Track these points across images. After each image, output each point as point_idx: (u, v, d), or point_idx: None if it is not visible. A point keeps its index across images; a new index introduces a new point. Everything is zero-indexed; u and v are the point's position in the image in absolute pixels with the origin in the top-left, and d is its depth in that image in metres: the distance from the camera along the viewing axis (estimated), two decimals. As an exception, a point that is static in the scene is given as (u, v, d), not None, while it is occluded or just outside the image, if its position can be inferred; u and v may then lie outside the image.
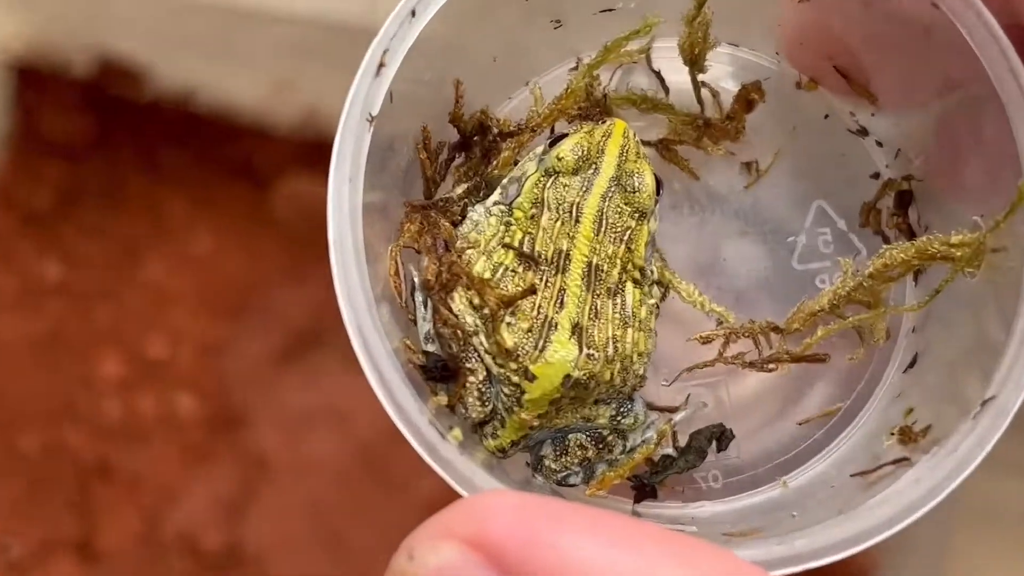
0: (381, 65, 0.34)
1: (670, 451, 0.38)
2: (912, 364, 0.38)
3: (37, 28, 0.79)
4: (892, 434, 0.36)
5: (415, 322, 0.36)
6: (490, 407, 0.36)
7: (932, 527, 0.69)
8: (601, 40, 0.38)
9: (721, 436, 0.38)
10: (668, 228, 0.39)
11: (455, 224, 0.36)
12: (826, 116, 0.40)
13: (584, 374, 0.34)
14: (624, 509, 0.38)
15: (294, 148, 0.81)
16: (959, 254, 0.34)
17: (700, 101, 0.39)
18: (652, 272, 0.36)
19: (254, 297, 0.80)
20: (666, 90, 0.39)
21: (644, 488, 0.37)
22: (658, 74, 0.39)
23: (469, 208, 0.36)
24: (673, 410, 0.38)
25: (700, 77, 0.39)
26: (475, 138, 0.38)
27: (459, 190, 0.37)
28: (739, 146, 0.39)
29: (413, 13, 0.34)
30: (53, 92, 0.80)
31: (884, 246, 0.36)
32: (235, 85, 0.80)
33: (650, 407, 0.38)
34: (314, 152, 0.80)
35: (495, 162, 0.37)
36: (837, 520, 0.32)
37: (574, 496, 0.38)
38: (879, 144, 0.40)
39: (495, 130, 0.37)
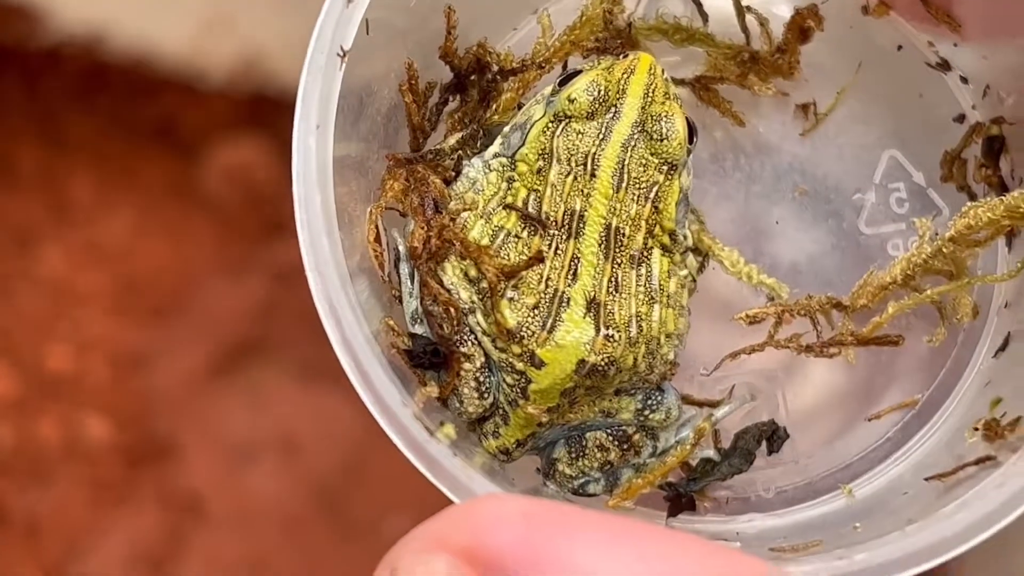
0: None
1: (711, 453, 0.36)
2: (1004, 347, 0.36)
3: None
4: (976, 429, 0.34)
5: (399, 299, 0.34)
6: (490, 400, 0.34)
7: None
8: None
9: (772, 436, 0.36)
10: (707, 185, 0.37)
11: (447, 181, 0.35)
12: (899, 47, 0.37)
13: (602, 359, 0.32)
14: (658, 521, 0.37)
15: (230, 105, 0.75)
16: None
17: (745, 30, 0.36)
18: (685, 237, 0.34)
19: (182, 295, 0.73)
20: (704, 17, 0.37)
21: (680, 498, 0.36)
22: None
23: (464, 162, 0.35)
24: (715, 404, 0.36)
25: (745, 0, 0.37)
26: (471, 77, 0.36)
27: (452, 140, 0.35)
28: (793, 85, 0.37)
29: None
30: None
31: (969, 203, 0.34)
32: (154, 25, 0.74)
33: (686, 400, 0.36)
34: (256, 109, 0.74)
35: (495, 106, 0.36)
36: (906, 531, 0.31)
37: (594, 507, 0.35)
38: (964, 81, 0.37)
39: (495, 67, 0.36)
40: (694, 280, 0.35)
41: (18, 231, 0.72)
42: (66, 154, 0.73)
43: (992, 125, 0.36)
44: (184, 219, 0.73)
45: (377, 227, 0.34)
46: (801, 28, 0.36)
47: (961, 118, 0.37)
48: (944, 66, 0.37)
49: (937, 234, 0.34)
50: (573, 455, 0.35)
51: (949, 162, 0.37)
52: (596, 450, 0.34)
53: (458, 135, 0.35)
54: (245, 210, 0.74)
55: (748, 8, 0.36)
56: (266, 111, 0.73)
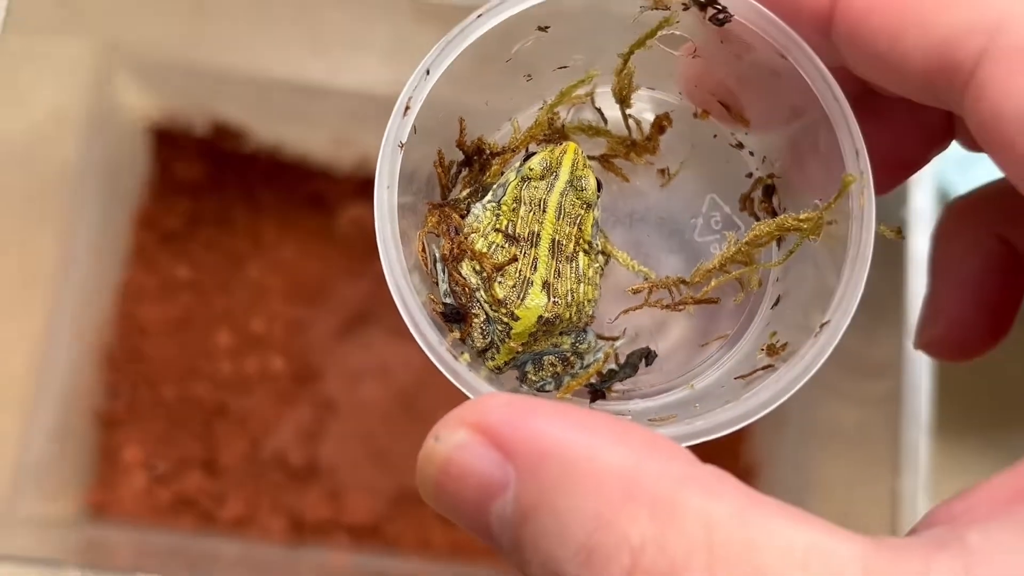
0: (407, 108, 0.37)
1: (613, 366, 0.41)
2: (776, 303, 0.42)
3: (168, 101, 0.85)
4: (762, 350, 0.40)
5: (436, 284, 0.40)
6: (489, 339, 0.39)
7: (793, 444, 0.76)
8: (558, 88, 0.42)
9: (648, 356, 0.41)
10: (608, 215, 0.43)
11: (462, 216, 0.40)
12: (715, 135, 0.43)
13: (551, 315, 0.38)
14: (583, 405, 0.41)
15: (352, 186, 0.88)
16: (805, 226, 0.38)
17: (628, 128, 0.42)
18: (597, 245, 0.40)
19: (324, 290, 0.88)
20: (605, 121, 0.43)
21: (596, 392, 0.41)
22: (599, 110, 0.43)
23: (472, 206, 0.40)
24: (615, 339, 0.42)
25: (628, 111, 0.42)
26: (474, 157, 0.41)
27: (464, 193, 0.41)
28: (656, 158, 0.43)
29: (428, 72, 0.37)
30: (180, 147, 0.88)
31: (755, 223, 0.40)
32: (309, 140, 0.87)
33: (600, 337, 0.41)
34: (366, 185, 0.86)
35: (488, 173, 0.41)
36: (725, 408, 0.36)
37: (549, 398, 0.40)
38: (751, 154, 0.43)
39: (487, 151, 0.41)
40: (602, 269, 0.40)
41: (234, 256, 0.89)
42: (260, 213, 0.89)
43: (767, 178, 0.42)
44: (326, 248, 0.89)
45: (423, 243, 0.39)
46: (660, 125, 0.42)
47: (750, 175, 0.43)
48: (740, 146, 0.42)
49: (737, 241, 0.40)
50: (536, 369, 0.40)
51: (743, 200, 0.42)
52: (549, 366, 0.40)
53: (468, 190, 0.41)
54: (360, 242, 0.88)
55: (629, 115, 0.42)
56: (369, 187, 0.74)
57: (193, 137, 0.87)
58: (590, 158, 0.41)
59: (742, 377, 0.39)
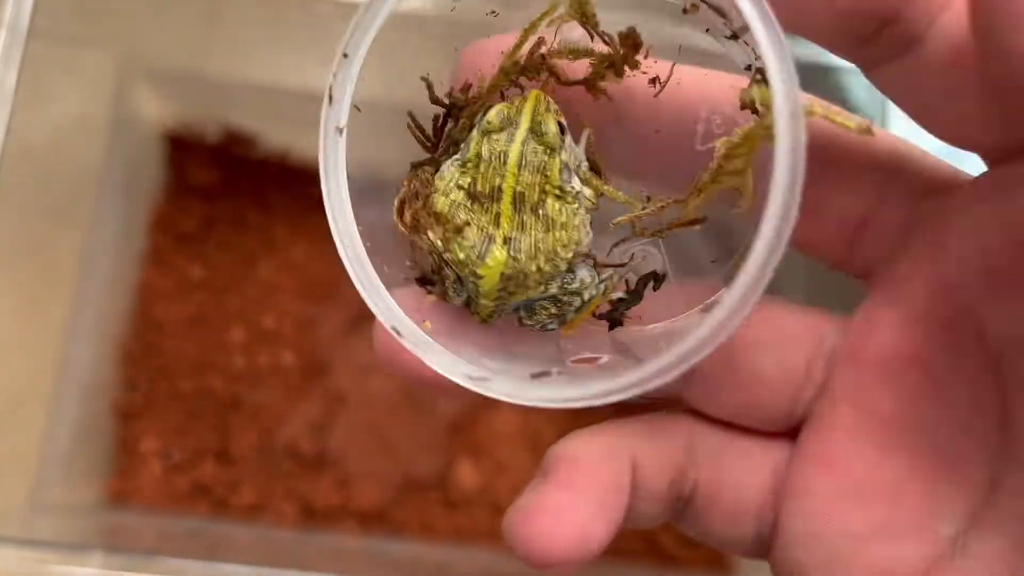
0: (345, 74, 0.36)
1: (621, 295, 0.40)
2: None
3: (182, 110, 0.88)
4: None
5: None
6: (465, 295, 0.39)
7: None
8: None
9: (656, 279, 0.40)
10: (608, 145, 0.39)
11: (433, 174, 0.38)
12: (707, 30, 0.38)
13: (512, 271, 0.37)
14: (603, 333, 0.40)
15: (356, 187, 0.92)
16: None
17: (604, 40, 0.38)
18: (573, 187, 0.38)
19: (333, 288, 0.90)
20: (594, 37, 0.38)
21: (613, 321, 0.40)
22: (587, 28, 0.38)
23: (443, 163, 0.39)
24: (621, 265, 0.40)
25: (598, 28, 0.38)
26: (452, 111, 0.40)
27: (440, 151, 0.40)
28: (639, 72, 0.38)
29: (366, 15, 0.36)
30: (194, 153, 0.90)
31: (725, 138, 0.36)
32: (316, 146, 0.77)
33: (605, 266, 0.40)
34: (370, 191, 0.88)
35: (457, 127, 0.40)
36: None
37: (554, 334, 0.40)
38: (746, 43, 0.38)
39: (459, 104, 0.39)
40: (590, 205, 0.38)
41: (247, 255, 0.91)
42: (271, 215, 0.92)
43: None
44: (334, 249, 0.73)
45: (399, 207, 0.39)
46: (633, 44, 0.37)
47: (748, 67, 0.37)
48: (735, 36, 0.37)
49: (722, 154, 0.35)
50: (529, 315, 0.39)
51: (742, 96, 0.35)
52: (542, 310, 0.39)
53: (445, 146, 0.39)
54: None
55: (604, 33, 0.37)
56: (373, 191, 0.92)
57: (206, 144, 0.90)
58: (575, 83, 0.38)
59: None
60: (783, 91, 0.30)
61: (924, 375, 0.33)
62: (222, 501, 0.83)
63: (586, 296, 0.39)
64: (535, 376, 0.36)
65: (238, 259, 0.90)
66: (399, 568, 0.78)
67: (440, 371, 0.35)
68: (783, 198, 0.30)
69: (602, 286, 0.39)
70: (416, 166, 0.39)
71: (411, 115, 0.39)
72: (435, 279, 0.39)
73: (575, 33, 0.38)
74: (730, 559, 0.80)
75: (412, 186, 0.39)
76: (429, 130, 0.40)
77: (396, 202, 0.39)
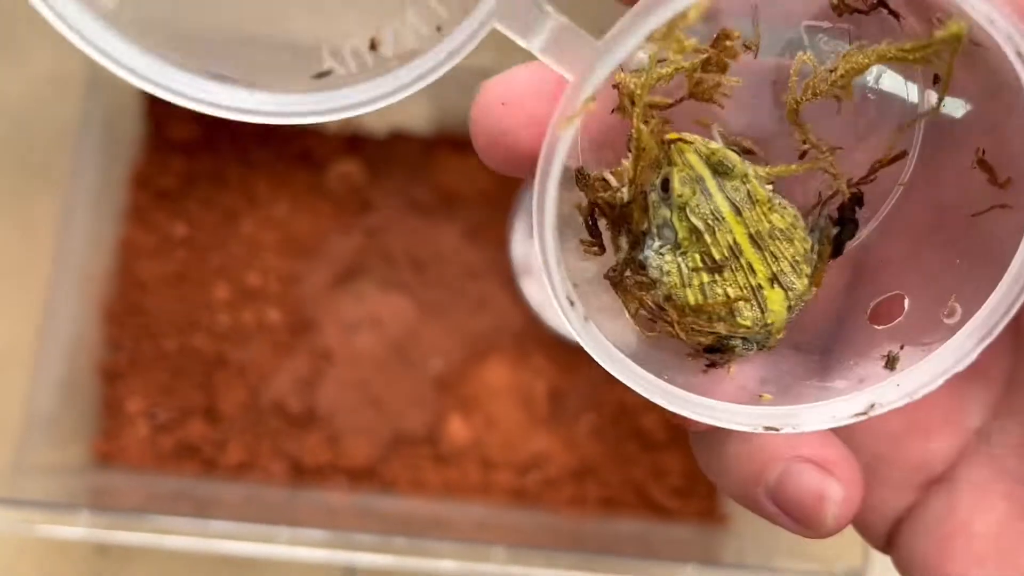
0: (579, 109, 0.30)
1: (835, 230, 0.37)
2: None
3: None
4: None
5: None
6: (755, 347, 0.37)
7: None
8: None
9: (858, 201, 0.37)
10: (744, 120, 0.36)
11: (646, 275, 0.36)
12: None
13: (795, 301, 0.36)
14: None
15: (339, 142, 0.91)
16: (911, 57, 0.32)
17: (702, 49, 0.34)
18: (769, 191, 0.36)
19: (317, 244, 0.91)
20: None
21: (837, 249, 0.38)
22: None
23: (644, 260, 0.36)
24: (818, 206, 0.37)
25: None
26: (598, 208, 0.36)
27: (622, 254, 0.36)
28: (739, 62, 0.34)
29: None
30: (173, 108, 0.76)
31: (848, 51, 0.34)
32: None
33: (806, 216, 0.37)
34: (351, 141, 0.90)
35: (633, 221, 0.36)
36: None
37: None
38: None
39: (616, 205, 0.36)
40: (780, 198, 0.36)
41: (229, 212, 0.91)
42: (252, 170, 0.91)
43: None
44: (316, 203, 0.91)
45: (643, 323, 0.37)
46: (726, 36, 0.33)
47: None
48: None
49: (829, 69, 0.33)
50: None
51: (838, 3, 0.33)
52: (795, 286, 0.36)
53: (623, 248, 0.36)
54: (349, 198, 0.91)
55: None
56: (356, 143, 0.92)
57: (186, 98, 0.89)
58: (679, 101, 0.36)
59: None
60: None
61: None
62: (210, 460, 0.84)
63: (815, 246, 0.37)
64: (887, 364, 0.35)
65: (220, 215, 0.90)
66: (390, 524, 0.79)
67: (835, 423, 0.34)
68: None
69: (816, 234, 0.37)
70: (618, 279, 0.36)
71: (588, 224, 0.36)
72: (723, 354, 0.37)
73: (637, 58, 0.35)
74: (723, 511, 0.80)
75: (644, 302, 0.36)
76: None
77: (630, 320, 0.36)
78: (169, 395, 0.86)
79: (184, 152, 0.90)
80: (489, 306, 0.87)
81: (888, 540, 0.38)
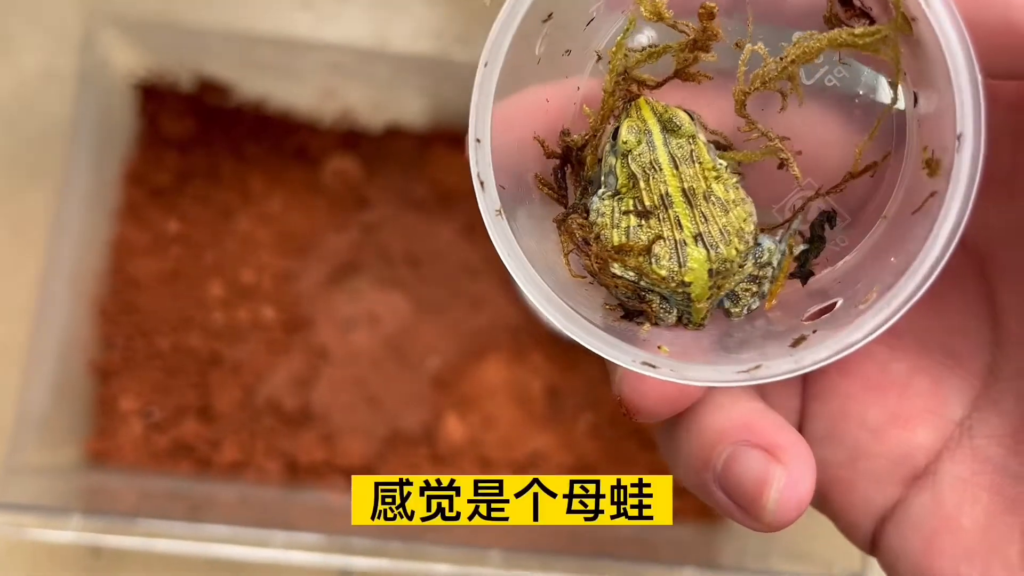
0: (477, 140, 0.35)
1: (803, 247, 0.39)
2: (916, 101, 0.36)
3: (154, 59, 0.86)
4: (924, 167, 0.35)
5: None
6: (676, 310, 0.38)
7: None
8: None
9: (829, 218, 0.39)
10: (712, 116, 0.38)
11: (585, 218, 0.38)
12: None
13: (716, 264, 0.36)
14: (799, 288, 0.39)
15: (334, 138, 0.90)
16: (861, 41, 0.33)
17: (681, 28, 0.37)
18: (722, 164, 0.37)
19: (312, 241, 0.90)
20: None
21: (804, 275, 0.39)
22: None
23: (588, 204, 0.38)
24: (789, 221, 0.39)
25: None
26: (567, 157, 0.39)
27: (577, 196, 0.39)
28: (722, 41, 0.36)
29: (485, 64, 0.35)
30: (167, 103, 0.89)
31: (803, 35, 0.35)
32: (293, 94, 0.88)
33: (774, 229, 0.39)
34: (347, 138, 0.89)
35: (585, 166, 0.38)
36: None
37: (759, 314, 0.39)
38: None
39: (574, 147, 0.38)
40: (737, 180, 0.37)
41: (223, 208, 0.90)
42: (247, 166, 0.90)
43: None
44: (311, 199, 0.90)
45: (569, 265, 0.38)
46: (708, 13, 0.35)
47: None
48: None
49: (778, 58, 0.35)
50: (734, 303, 0.38)
51: (827, 14, 0.35)
52: (744, 293, 0.38)
53: (578, 191, 0.38)
54: (344, 194, 0.90)
55: (675, 20, 0.36)
56: (352, 139, 0.91)
57: (179, 93, 0.89)
58: (667, 80, 0.38)
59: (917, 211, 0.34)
60: None
61: None
62: (205, 459, 0.83)
63: (775, 262, 0.38)
64: (794, 344, 0.35)
65: (214, 212, 0.90)
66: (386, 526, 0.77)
67: (716, 383, 0.34)
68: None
69: (783, 245, 0.38)
70: (562, 220, 0.38)
71: (537, 176, 0.38)
72: (641, 309, 0.38)
73: (640, 38, 0.38)
74: (720, 509, 0.79)
75: (575, 237, 0.38)
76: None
77: (564, 258, 0.38)
78: (163, 394, 0.85)
79: (178, 148, 0.89)
80: (486, 304, 0.87)
81: (873, 540, 0.38)
